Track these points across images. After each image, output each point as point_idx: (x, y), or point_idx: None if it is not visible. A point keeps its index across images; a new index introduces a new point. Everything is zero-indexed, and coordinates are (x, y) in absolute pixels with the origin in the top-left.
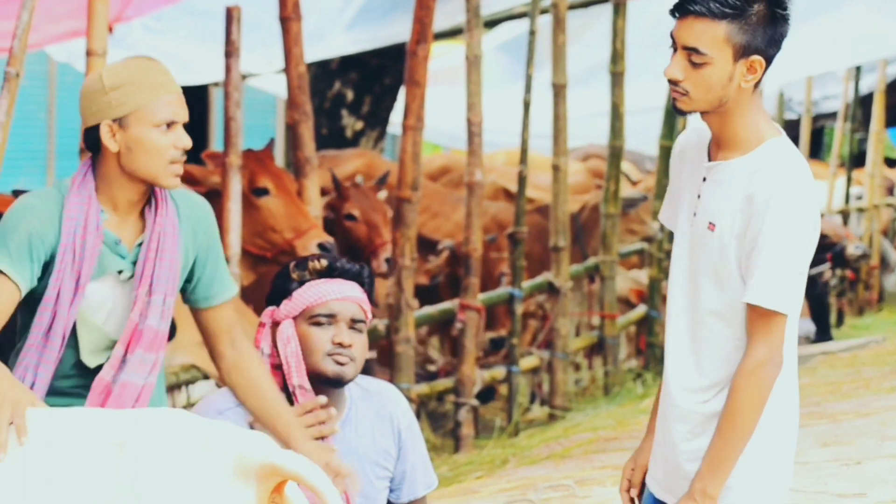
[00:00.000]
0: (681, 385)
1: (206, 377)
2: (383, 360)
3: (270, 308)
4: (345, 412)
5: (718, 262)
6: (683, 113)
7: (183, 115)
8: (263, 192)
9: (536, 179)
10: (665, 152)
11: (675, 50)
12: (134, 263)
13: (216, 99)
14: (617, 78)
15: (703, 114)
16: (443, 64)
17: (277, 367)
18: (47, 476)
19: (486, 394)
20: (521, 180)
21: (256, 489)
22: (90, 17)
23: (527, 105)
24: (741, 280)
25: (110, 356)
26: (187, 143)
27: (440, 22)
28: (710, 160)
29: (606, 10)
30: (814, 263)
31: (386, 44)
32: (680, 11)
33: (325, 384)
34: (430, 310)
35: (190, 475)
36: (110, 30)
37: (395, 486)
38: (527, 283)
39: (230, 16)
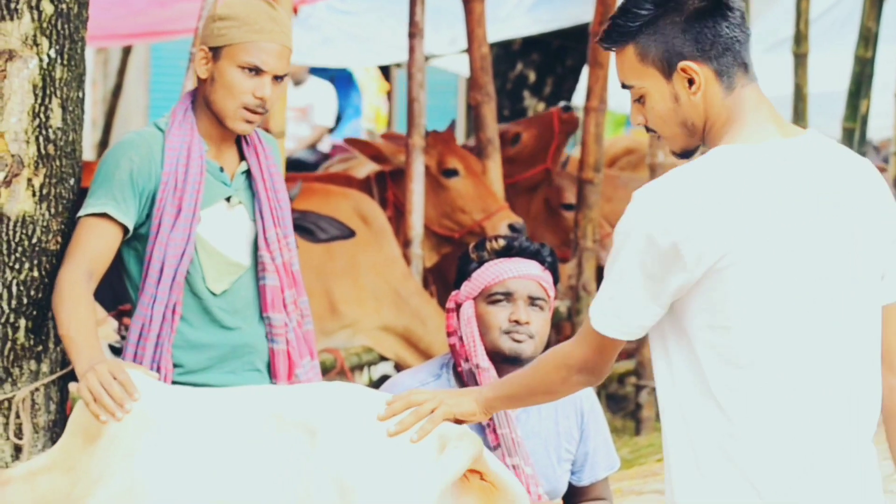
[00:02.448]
0: None
1: (383, 359)
2: None
3: (454, 292)
4: None
5: None
6: (684, 156)
7: (274, 66)
8: (453, 172)
9: None
10: (848, 134)
11: None
12: (245, 192)
13: (399, 79)
14: (800, 59)
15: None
16: None
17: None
18: (228, 451)
19: None
20: None
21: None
22: None
23: None
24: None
25: (271, 322)
26: (266, 93)
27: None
28: None
29: None
30: None
31: (568, 25)
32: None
33: (504, 362)
34: None
35: (393, 456)
36: (295, 11)
37: (577, 469)
38: None
39: None
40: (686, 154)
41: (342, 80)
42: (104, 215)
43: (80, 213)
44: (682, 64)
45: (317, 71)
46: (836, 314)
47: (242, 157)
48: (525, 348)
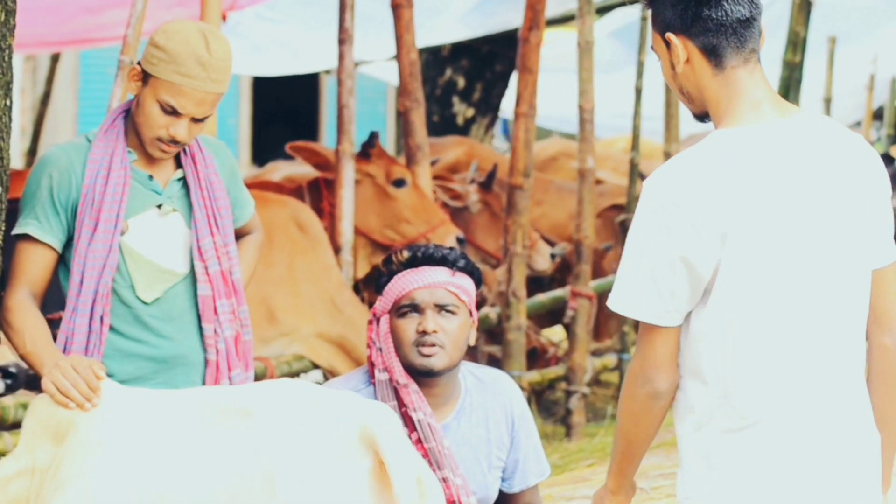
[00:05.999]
0: None
1: (315, 367)
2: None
3: (375, 305)
4: (459, 402)
5: None
6: (700, 119)
7: (192, 111)
8: (402, 183)
9: (651, 167)
10: None
11: None
12: (181, 200)
13: (328, 86)
14: None
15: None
16: (554, 50)
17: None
18: (174, 446)
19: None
20: (633, 167)
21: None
22: (203, 6)
23: (638, 92)
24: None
25: (217, 334)
26: (179, 133)
27: (552, 8)
28: None
29: None
30: None
31: (497, 30)
32: None
33: (419, 376)
34: (541, 298)
35: (317, 444)
36: (223, 18)
37: (508, 476)
38: None
39: (343, 3)
40: (701, 118)
41: None
42: (30, 236)
43: (13, 232)
44: (667, 35)
45: None
46: (827, 284)
47: (180, 165)
48: (436, 362)
